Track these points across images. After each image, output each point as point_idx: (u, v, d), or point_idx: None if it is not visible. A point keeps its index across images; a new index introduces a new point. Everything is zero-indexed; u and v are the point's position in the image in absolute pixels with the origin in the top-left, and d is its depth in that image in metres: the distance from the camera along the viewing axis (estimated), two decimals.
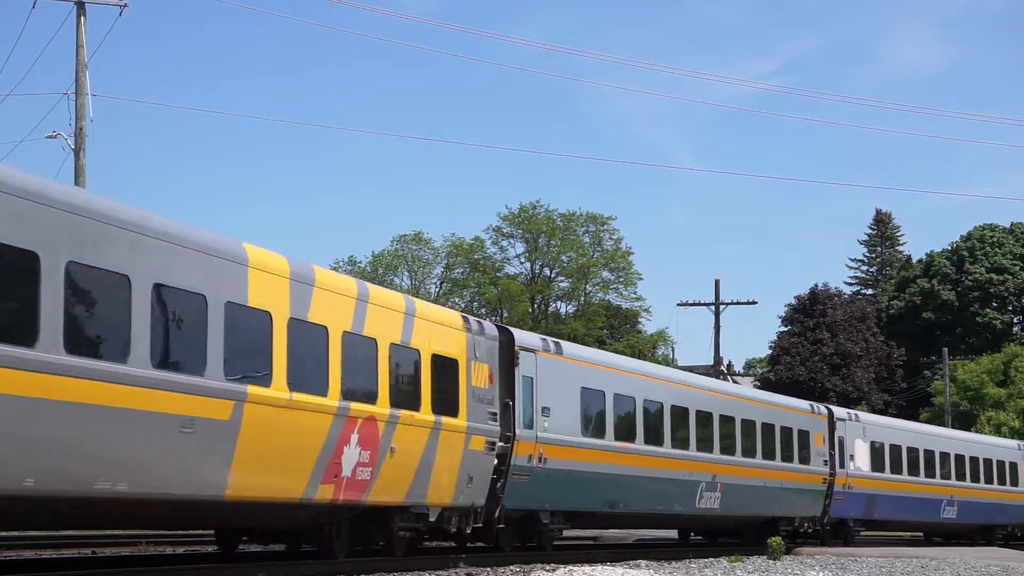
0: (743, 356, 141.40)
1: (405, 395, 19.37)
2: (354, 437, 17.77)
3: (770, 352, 78.38)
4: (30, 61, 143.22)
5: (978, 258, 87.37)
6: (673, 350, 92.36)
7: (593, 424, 25.33)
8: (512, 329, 23.85)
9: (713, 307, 58.04)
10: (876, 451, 38.43)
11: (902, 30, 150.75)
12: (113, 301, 13.97)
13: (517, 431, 22.61)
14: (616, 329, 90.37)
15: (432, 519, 20.47)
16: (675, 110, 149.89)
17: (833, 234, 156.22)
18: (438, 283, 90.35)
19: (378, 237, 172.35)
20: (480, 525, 22.00)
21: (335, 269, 77.36)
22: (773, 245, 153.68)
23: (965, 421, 71.90)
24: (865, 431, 38.12)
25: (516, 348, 22.85)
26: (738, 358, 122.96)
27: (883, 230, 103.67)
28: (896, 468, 39.57)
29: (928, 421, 62.05)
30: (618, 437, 25.95)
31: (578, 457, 24.57)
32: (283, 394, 16.35)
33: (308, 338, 17.00)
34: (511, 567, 20.42)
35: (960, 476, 43.20)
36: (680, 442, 28.34)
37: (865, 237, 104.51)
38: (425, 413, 19.81)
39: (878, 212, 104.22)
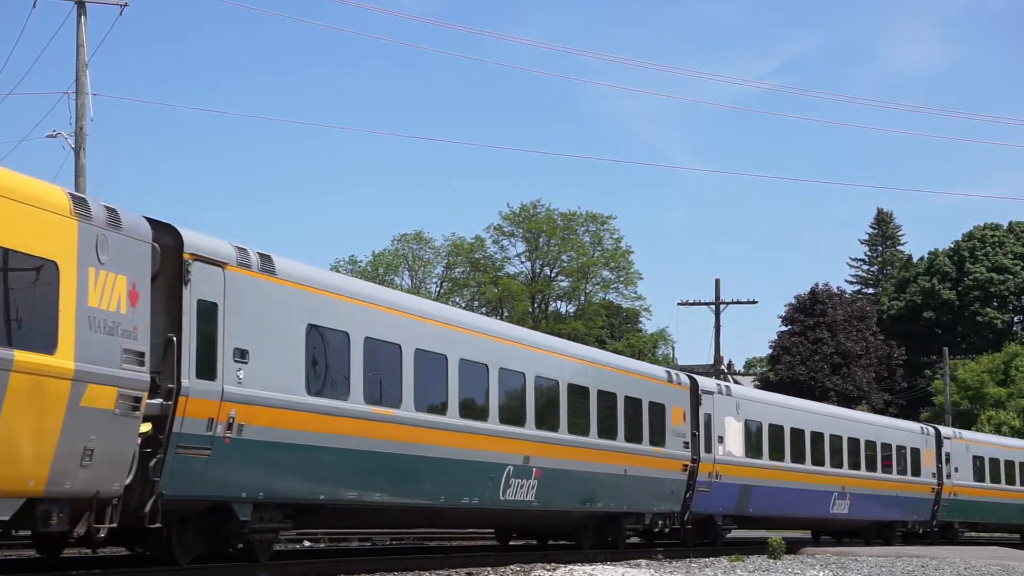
0: (743, 356, 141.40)
1: None
2: None
3: (770, 351, 78.41)
4: (30, 61, 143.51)
5: (979, 258, 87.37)
6: (673, 349, 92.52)
7: (326, 379, 18.24)
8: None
9: (713, 307, 58.04)
10: (752, 433, 31.91)
11: (902, 30, 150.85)
12: None
13: (184, 381, 15.43)
14: (616, 329, 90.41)
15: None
16: (675, 110, 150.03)
17: (833, 234, 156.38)
18: (438, 282, 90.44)
19: (378, 237, 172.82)
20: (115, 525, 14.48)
21: (335, 269, 77.43)
22: (773, 245, 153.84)
23: (965, 420, 71.94)
24: (739, 408, 31.25)
25: (186, 256, 15.60)
26: (738, 358, 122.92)
27: (884, 229, 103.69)
28: (777, 454, 33.21)
29: (929, 421, 61.95)
30: (371, 400, 18.94)
31: (297, 425, 17.39)
32: None
33: None
34: (511, 567, 20.44)
35: (854, 464, 37.00)
36: (476, 413, 21.72)
37: (866, 236, 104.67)
38: None
39: (879, 211, 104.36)
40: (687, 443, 28.96)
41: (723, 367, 63.61)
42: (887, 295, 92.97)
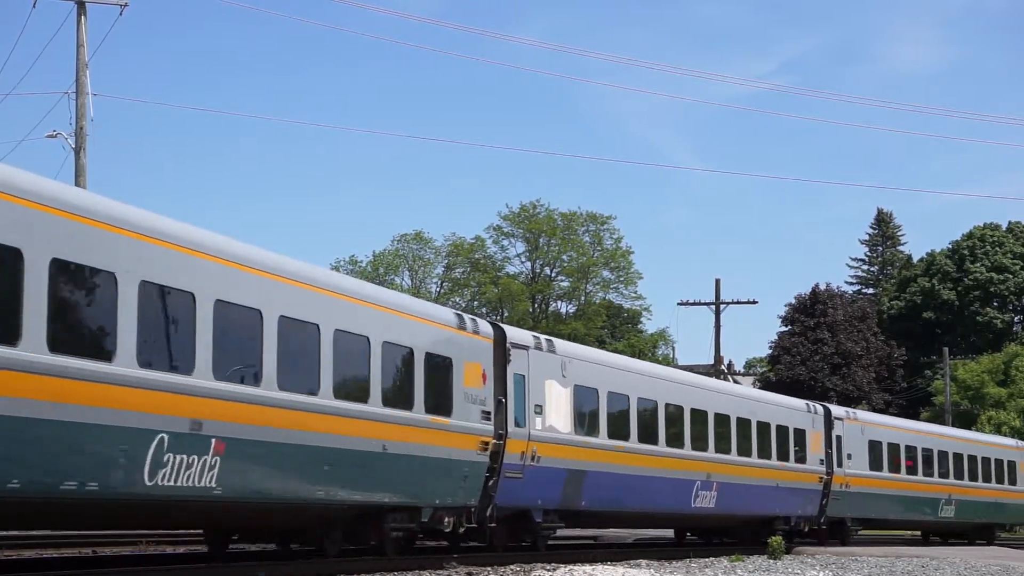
0: (743, 356, 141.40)
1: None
2: None
3: (770, 352, 78.41)
4: (30, 61, 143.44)
5: (979, 257, 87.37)
6: (673, 349, 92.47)
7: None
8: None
9: (713, 307, 58.05)
10: (583, 402, 25.88)
11: (901, 30, 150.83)
12: None
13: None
14: (617, 329, 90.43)
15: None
16: (675, 110, 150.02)
17: (833, 234, 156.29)
18: (439, 283, 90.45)
19: (379, 237, 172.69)
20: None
21: (335, 269, 77.41)
22: (773, 245, 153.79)
23: (965, 420, 71.97)
24: (565, 369, 24.81)
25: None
26: (738, 358, 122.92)
27: (884, 229, 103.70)
28: (618, 432, 29.23)
29: (928, 421, 61.98)
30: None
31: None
32: None
33: None
34: (511, 567, 20.41)
35: (722, 448, 30.77)
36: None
37: (866, 237, 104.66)
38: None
39: (879, 211, 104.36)
40: (487, 412, 22.17)
41: (723, 367, 63.61)
42: (887, 295, 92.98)
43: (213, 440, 15.63)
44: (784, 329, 76.93)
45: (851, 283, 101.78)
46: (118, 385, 14.22)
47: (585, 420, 25.23)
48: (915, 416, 68.61)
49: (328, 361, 17.96)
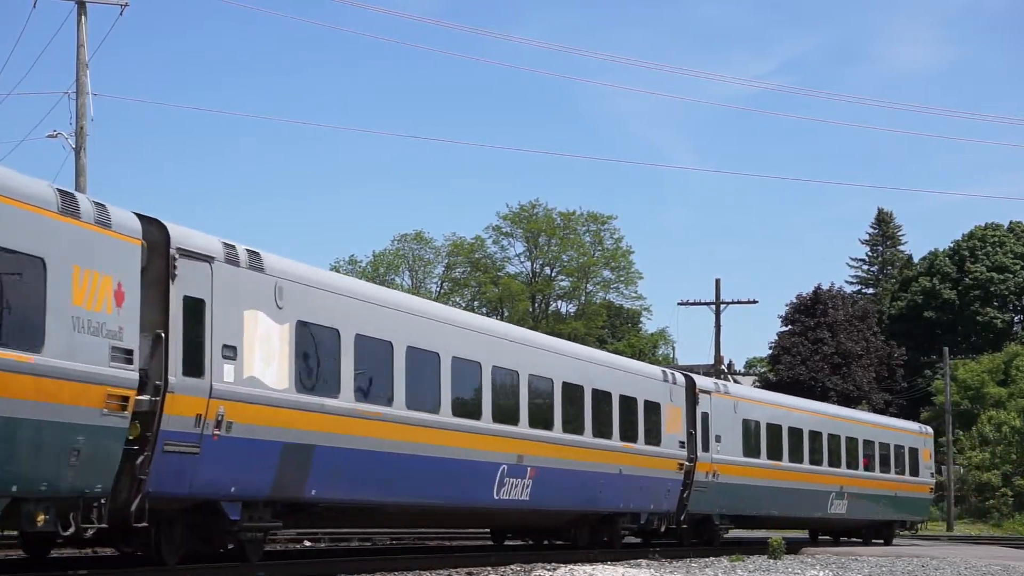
0: (744, 356, 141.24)
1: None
2: None
3: (771, 352, 78.41)
4: (30, 61, 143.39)
5: (979, 257, 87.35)
6: (674, 349, 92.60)
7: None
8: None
9: (713, 306, 58.05)
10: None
11: (901, 30, 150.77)
12: None
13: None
14: (617, 328, 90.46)
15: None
16: (675, 110, 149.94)
17: (834, 234, 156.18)
18: (439, 282, 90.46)
19: (379, 237, 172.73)
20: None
21: (335, 269, 77.43)
22: (773, 245, 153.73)
23: (966, 420, 71.94)
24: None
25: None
26: (739, 358, 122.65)
27: (884, 229, 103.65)
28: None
29: (929, 420, 61.89)
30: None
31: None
32: None
33: None
34: (511, 567, 20.41)
35: (541, 421, 23.90)
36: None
37: (866, 236, 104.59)
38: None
39: (880, 211, 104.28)
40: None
41: (724, 367, 63.60)
42: (887, 295, 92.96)
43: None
44: (784, 329, 76.95)
45: (851, 283, 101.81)
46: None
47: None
48: (915, 416, 68.53)
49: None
